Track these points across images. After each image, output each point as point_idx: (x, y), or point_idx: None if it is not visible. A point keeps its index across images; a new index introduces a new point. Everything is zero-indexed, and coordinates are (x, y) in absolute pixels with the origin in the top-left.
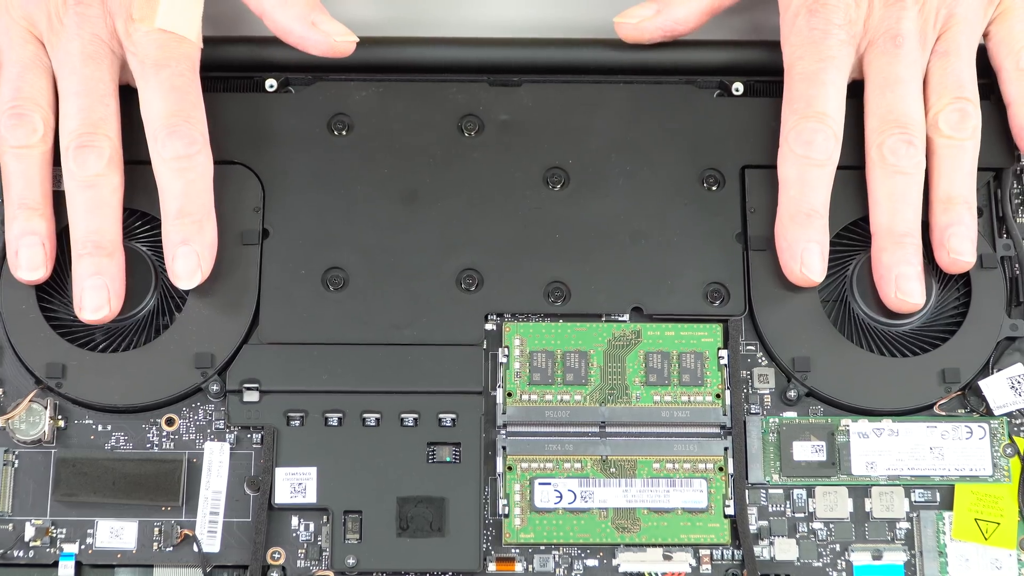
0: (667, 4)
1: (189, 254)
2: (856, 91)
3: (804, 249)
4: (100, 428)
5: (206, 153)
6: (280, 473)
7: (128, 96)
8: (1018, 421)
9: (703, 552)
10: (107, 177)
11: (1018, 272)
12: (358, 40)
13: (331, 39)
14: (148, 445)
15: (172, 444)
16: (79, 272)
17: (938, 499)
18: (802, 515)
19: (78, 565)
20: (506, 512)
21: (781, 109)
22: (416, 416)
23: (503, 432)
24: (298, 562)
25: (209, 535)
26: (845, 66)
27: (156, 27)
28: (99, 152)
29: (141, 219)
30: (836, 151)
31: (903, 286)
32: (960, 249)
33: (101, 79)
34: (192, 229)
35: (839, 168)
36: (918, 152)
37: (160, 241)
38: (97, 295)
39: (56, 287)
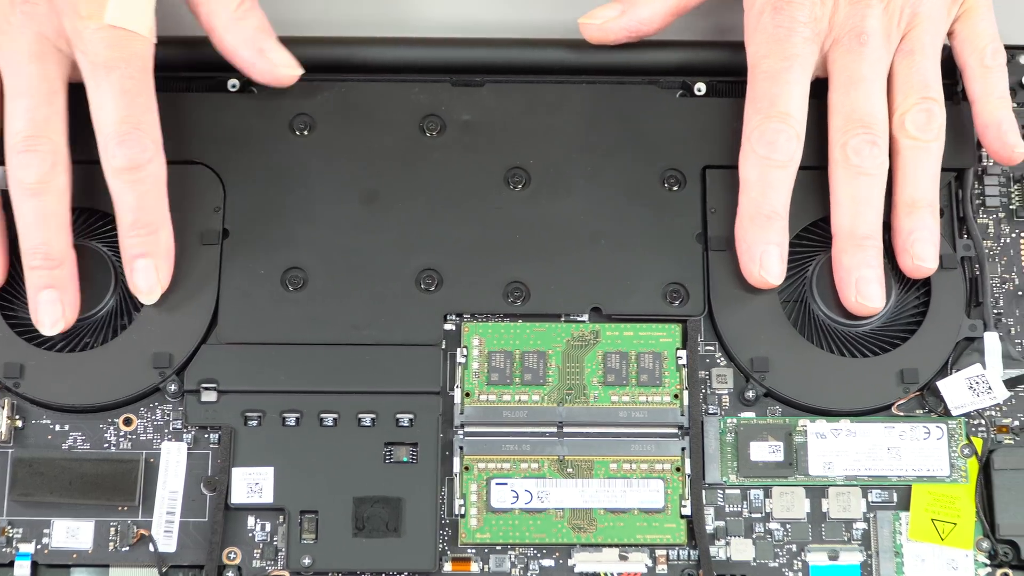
0: (632, 4)
1: (147, 268)
2: (818, 90)
3: (763, 252)
4: (58, 428)
5: (158, 160)
6: (237, 473)
7: (81, 94)
8: (976, 422)
9: (659, 552)
10: (52, 183)
11: (978, 273)
12: (303, 73)
13: (276, 69)
14: (105, 445)
15: (129, 444)
16: (31, 284)
17: (895, 499)
18: (759, 515)
19: (34, 565)
20: (462, 512)
21: (744, 108)
22: (374, 416)
23: (460, 432)
24: (254, 562)
25: (165, 535)
26: (809, 64)
27: (105, 23)
28: (42, 157)
29: (102, 218)
30: (798, 152)
31: (863, 289)
32: (924, 255)
33: (46, 77)
34: (149, 241)
35: (800, 168)
36: (882, 152)
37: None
38: (52, 309)
39: (12, 287)
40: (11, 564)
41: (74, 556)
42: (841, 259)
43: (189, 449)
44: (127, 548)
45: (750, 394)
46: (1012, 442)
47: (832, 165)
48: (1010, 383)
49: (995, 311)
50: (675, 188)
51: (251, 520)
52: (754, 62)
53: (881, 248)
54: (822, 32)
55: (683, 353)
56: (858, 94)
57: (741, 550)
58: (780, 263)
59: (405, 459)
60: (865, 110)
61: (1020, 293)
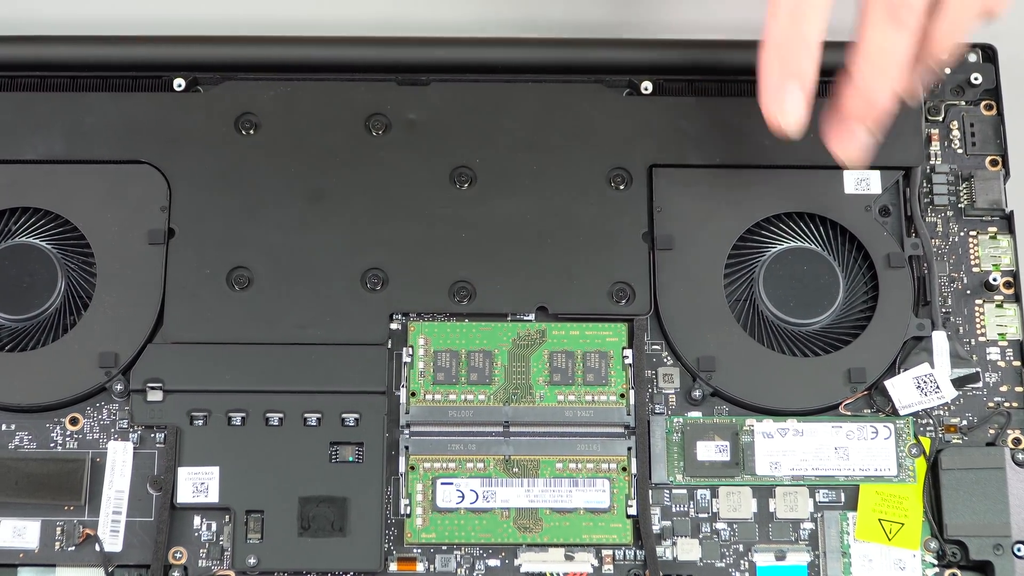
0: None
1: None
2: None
3: (785, 88)
4: (3, 427)
5: None
6: (183, 473)
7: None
8: (924, 421)
9: (605, 552)
10: None
11: (926, 272)
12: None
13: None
14: (52, 444)
15: (76, 443)
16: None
17: (843, 499)
18: (705, 515)
19: None
20: (408, 512)
21: None
22: (319, 416)
23: (406, 432)
24: (200, 561)
25: (112, 534)
26: None
27: None
28: None
29: (44, 216)
30: None
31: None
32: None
33: None
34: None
35: (754, 167)
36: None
37: (65, 239)
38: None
39: None
40: None
41: (20, 556)
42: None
43: (135, 449)
44: (73, 548)
45: (697, 393)
46: (960, 442)
47: (866, 20)
48: (958, 382)
49: (943, 310)
50: (621, 187)
51: (197, 520)
52: None
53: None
54: None
55: (629, 352)
56: None
57: (688, 550)
58: (801, 104)
59: (351, 459)
60: None
61: (968, 292)
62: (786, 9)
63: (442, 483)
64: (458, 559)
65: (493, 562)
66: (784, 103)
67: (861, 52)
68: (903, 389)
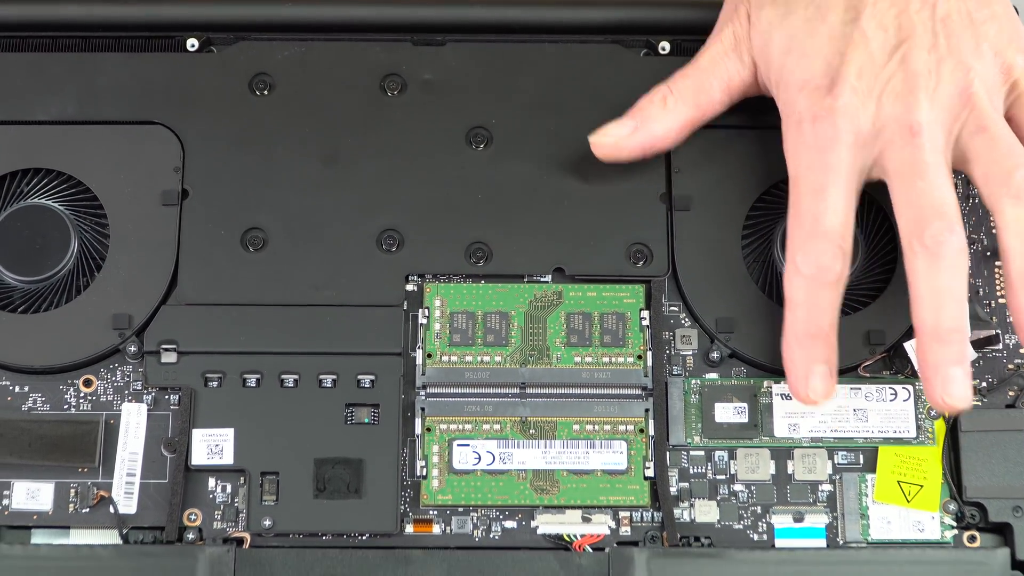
0: (644, 120)
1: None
2: None
3: (811, 372)
4: (17, 389)
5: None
6: (197, 434)
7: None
8: None
9: (623, 514)
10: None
11: None
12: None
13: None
14: (65, 406)
15: (89, 405)
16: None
17: (861, 461)
18: (723, 477)
19: None
20: (424, 474)
21: (788, 221)
22: (335, 377)
23: (422, 393)
24: (215, 523)
25: (126, 496)
26: (855, 173)
27: None
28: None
29: (57, 177)
30: (846, 269)
31: (950, 389)
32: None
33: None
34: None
35: (769, 128)
36: (960, 239)
37: (78, 200)
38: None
39: None
40: None
41: (34, 518)
42: (926, 356)
43: (149, 410)
44: (87, 510)
45: (715, 355)
46: (980, 404)
47: (909, 259)
48: (977, 344)
49: None
50: None
51: (212, 482)
52: (795, 175)
53: (967, 339)
54: (868, 136)
55: (647, 314)
56: (924, 183)
57: (705, 512)
58: (829, 381)
59: (366, 420)
60: (935, 197)
61: (988, 254)
62: (803, 308)
63: (458, 445)
64: (474, 521)
65: (510, 524)
66: (811, 385)
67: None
68: None
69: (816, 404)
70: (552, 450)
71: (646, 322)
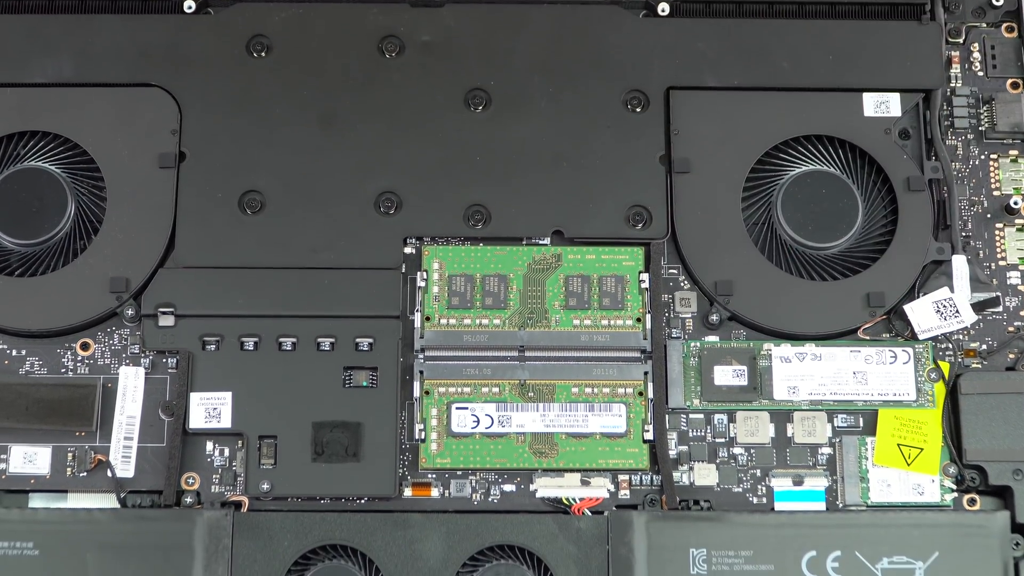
0: None
1: None
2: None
3: None
4: (14, 353)
5: None
6: (195, 398)
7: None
8: (943, 346)
9: (622, 477)
10: None
11: (946, 195)
12: None
13: None
14: (63, 370)
15: (87, 369)
16: None
17: (861, 424)
18: (722, 440)
19: None
20: (423, 437)
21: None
22: (333, 340)
23: (421, 356)
24: (212, 487)
25: (123, 460)
26: None
27: None
28: None
29: (53, 140)
30: None
31: None
32: None
33: None
34: None
35: (769, 89)
36: None
37: (74, 163)
38: None
39: None
40: None
41: (32, 482)
42: None
43: (147, 374)
44: (85, 474)
45: (714, 318)
46: (980, 366)
47: None
48: (978, 307)
49: (963, 234)
50: (638, 110)
51: (209, 445)
52: None
53: None
54: None
55: (646, 276)
56: None
57: (704, 475)
58: None
59: (364, 383)
60: None
61: (989, 216)
62: None
63: (457, 408)
64: (473, 484)
65: (508, 487)
66: None
67: None
68: (922, 313)
69: None
70: (551, 413)
71: (645, 285)
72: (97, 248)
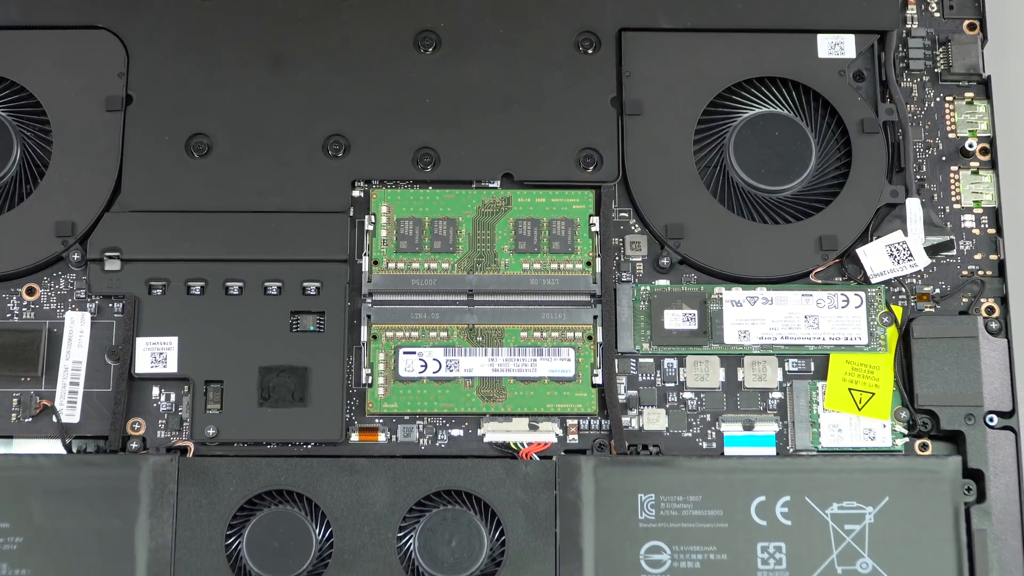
0: None
1: None
2: None
3: None
4: None
5: None
6: (141, 343)
7: None
8: (896, 289)
9: (570, 422)
10: None
11: (900, 137)
12: None
13: None
14: (8, 315)
15: (32, 314)
16: None
17: (812, 369)
18: (672, 385)
19: None
20: (370, 382)
21: None
22: (280, 284)
23: (368, 301)
24: (158, 432)
25: (69, 406)
26: None
27: None
28: None
29: (0, 83)
30: None
31: None
32: None
33: None
34: None
35: (722, 31)
36: None
37: (20, 106)
38: None
39: None
40: None
41: None
42: None
43: (93, 319)
44: (30, 419)
45: (664, 261)
46: (933, 310)
47: None
48: (931, 250)
49: (918, 177)
50: (590, 51)
51: (155, 390)
52: None
53: None
54: None
55: (596, 220)
56: None
57: (654, 420)
58: None
59: (311, 328)
60: None
61: (944, 159)
62: None
63: (404, 352)
64: (420, 429)
65: (456, 432)
66: None
67: None
68: (875, 257)
69: None
70: (499, 358)
71: (595, 228)
72: (43, 192)
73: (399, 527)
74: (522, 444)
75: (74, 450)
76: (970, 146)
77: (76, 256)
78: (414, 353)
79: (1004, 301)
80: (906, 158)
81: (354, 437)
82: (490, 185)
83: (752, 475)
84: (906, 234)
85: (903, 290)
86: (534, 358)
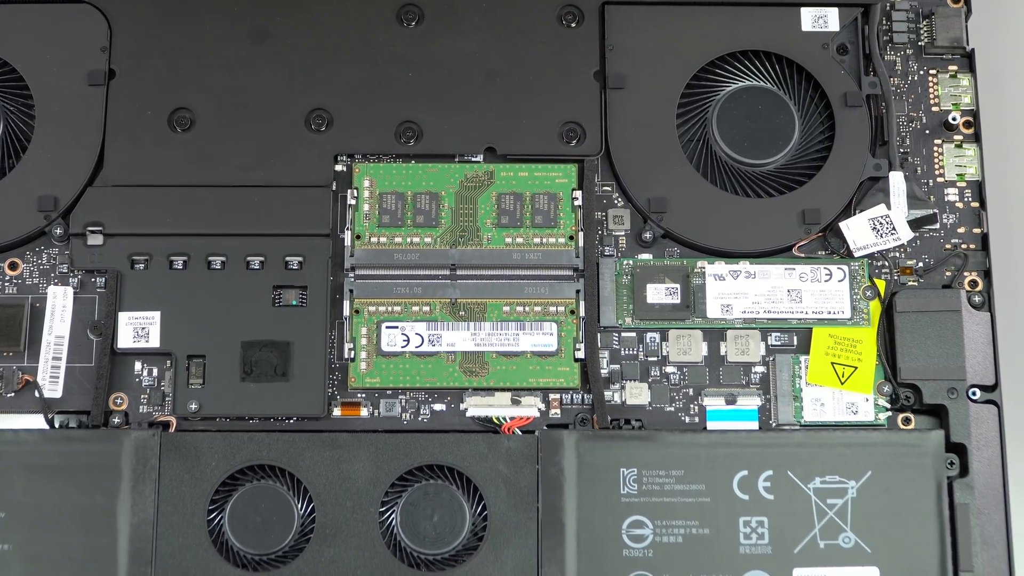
0: None
1: None
2: None
3: None
4: None
5: None
6: (123, 317)
7: None
8: (879, 263)
9: (553, 396)
10: None
11: (884, 111)
12: None
13: None
14: None
15: (15, 289)
16: None
17: (795, 343)
18: (655, 359)
19: None
20: (352, 356)
21: None
22: (262, 259)
23: (351, 275)
24: (141, 407)
25: (51, 381)
26: None
27: None
28: None
29: None
30: None
31: None
32: None
33: None
34: None
35: (705, 4)
36: None
37: (2, 80)
38: None
39: None
40: None
41: None
42: None
43: (75, 293)
44: (12, 394)
45: (647, 235)
46: (916, 284)
47: None
48: (915, 224)
49: (901, 150)
50: (573, 25)
51: (138, 365)
52: None
53: None
54: None
55: (579, 194)
56: None
57: (636, 394)
58: None
59: (294, 302)
60: None
61: (927, 132)
62: None
63: (387, 327)
64: (403, 404)
65: (439, 406)
66: None
67: None
68: (858, 230)
69: None
70: (482, 332)
71: (578, 202)
72: (25, 166)
73: (381, 502)
74: (504, 419)
75: (56, 425)
76: (954, 119)
77: (59, 231)
78: (397, 328)
79: (987, 275)
80: (889, 131)
81: (336, 412)
82: (473, 159)
83: (735, 449)
84: (889, 208)
85: (886, 264)
86: (516, 332)
